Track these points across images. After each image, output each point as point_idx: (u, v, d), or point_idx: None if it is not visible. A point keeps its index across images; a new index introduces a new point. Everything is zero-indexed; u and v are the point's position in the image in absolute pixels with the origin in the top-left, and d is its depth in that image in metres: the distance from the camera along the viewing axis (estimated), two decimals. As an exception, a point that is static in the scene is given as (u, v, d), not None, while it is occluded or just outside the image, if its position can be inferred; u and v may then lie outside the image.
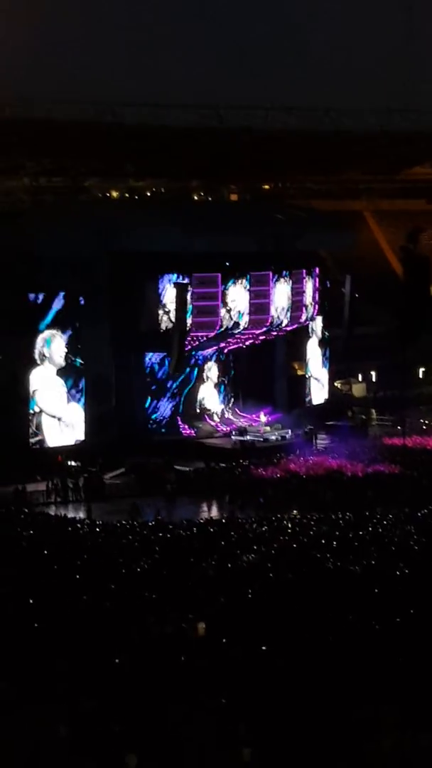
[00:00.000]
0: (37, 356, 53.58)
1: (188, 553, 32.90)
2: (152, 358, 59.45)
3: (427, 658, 20.80)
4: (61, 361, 54.15)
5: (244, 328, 59.64)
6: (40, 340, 53.66)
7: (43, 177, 68.99)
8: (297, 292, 62.87)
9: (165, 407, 60.14)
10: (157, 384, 59.79)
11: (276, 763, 16.95)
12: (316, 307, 66.33)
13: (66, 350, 54.28)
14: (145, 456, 53.65)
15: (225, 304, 58.25)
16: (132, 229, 57.34)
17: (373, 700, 19.09)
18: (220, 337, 59.63)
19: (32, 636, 22.56)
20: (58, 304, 54.10)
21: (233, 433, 59.87)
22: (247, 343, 62.45)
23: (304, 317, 64.38)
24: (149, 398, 59.71)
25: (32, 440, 53.32)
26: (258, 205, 78.71)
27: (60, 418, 54.09)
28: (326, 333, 68.93)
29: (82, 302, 54.97)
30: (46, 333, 53.88)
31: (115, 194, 76.22)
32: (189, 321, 56.92)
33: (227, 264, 58.82)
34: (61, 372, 54.25)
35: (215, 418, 62.57)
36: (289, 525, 39.15)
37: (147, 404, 59.65)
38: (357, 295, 69.04)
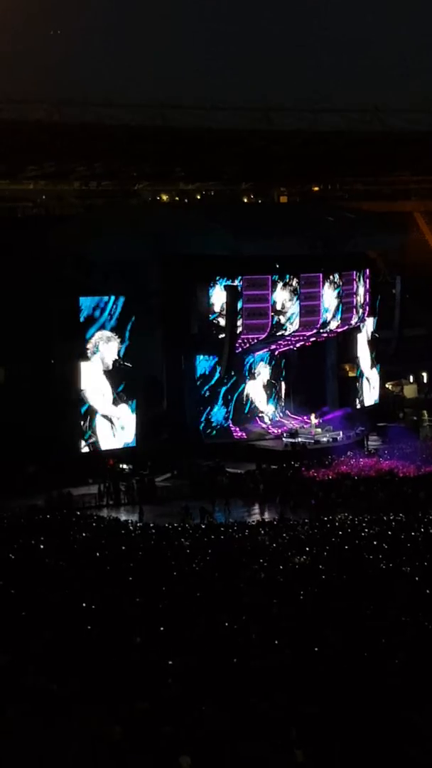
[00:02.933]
0: (89, 359, 53.85)
1: (240, 554, 32.99)
2: (204, 361, 59.49)
3: None
4: (111, 364, 54.41)
5: (295, 330, 59.57)
6: (91, 343, 53.93)
7: (93, 181, 69.14)
8: (347, 294, 62.71)
9: (218, 411, 60.19)
10: (208, 388, 59.81)
11: (324, 765, 17.02)
12: (367, 308, 66.13)
13: (118, 353, 54.55)
14: (196, 458, 53.76)
15: (275, 306, 58.28)
16: (182, 232, 57.44)
17: (426, 703, 19.10)
18: (271, 339, 59.61)
19: (85, 638, 22.74)
20: (110, 307, 54.39)
21: (284, 435, 59.79)
22: (297, 345, 62.38)
23: (354, 319, 64.20)
24: (201, 403, 59.75)
25: (84, 443, 53.65)
26: (307, 207, 78.51)
27: (111, 418, 54.32)
28: (377, 334, 68.70)
29: (134, 306, 55.18)
30: (98, 336, 54.15)
31: (165, 198, 76.30)
32: (239, 323, 57.02)
33: (277, 266, 58.77)
34: (113, 375, 54.48)
35: (266, 420, 62.56)
36: (341, 527, 39.13)
37: (199, 408, 59.72)
38: (407, 297, 68.69)
